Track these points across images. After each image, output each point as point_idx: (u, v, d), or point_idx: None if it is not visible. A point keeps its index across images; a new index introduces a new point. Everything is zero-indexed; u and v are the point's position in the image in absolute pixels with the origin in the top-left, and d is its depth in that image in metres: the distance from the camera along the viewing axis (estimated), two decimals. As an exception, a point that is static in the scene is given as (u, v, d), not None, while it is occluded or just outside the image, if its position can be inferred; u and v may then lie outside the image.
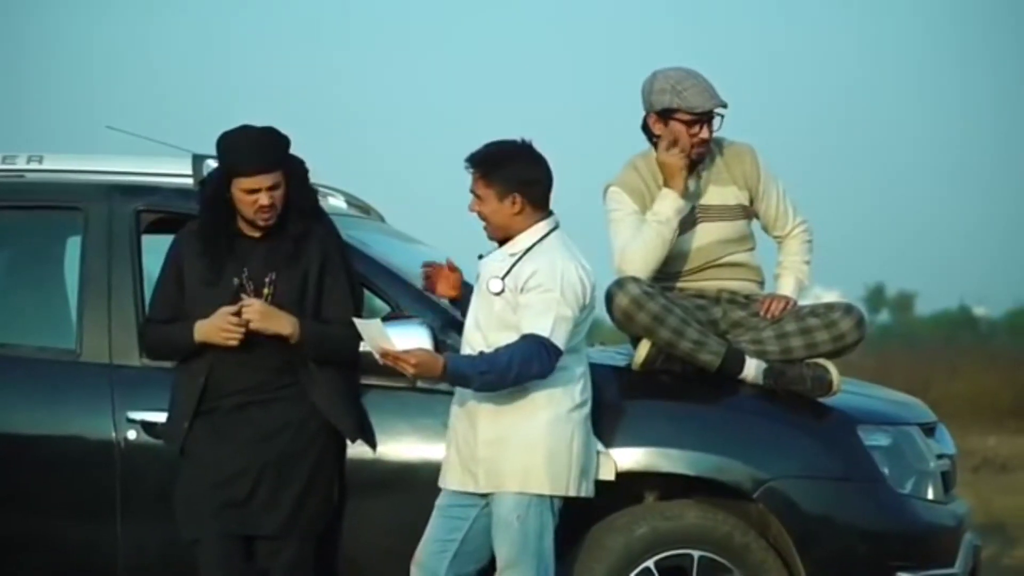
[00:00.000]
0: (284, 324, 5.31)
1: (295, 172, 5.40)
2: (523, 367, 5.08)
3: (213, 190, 5.39)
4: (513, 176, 5.23)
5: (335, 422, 5.40)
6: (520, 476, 5.18)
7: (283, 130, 5.39)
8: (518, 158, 5.26)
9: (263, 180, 5.30)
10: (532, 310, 5.13)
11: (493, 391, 5.15)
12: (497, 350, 5.11)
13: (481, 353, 5.14)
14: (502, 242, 5.30)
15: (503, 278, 5.21)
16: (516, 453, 5.18)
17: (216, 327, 5.29)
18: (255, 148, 5.32)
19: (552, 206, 5.31)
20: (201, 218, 5.42)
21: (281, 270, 5.38)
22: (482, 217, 5.29)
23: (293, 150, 5.42)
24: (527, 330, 5.11)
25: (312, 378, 5.39)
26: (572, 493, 5.22)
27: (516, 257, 5.23)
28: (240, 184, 5.31)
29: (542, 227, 5.27)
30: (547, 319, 5.11)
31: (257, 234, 5.40)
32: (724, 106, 5.68)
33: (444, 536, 5.32)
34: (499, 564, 5.22)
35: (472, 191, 5.29)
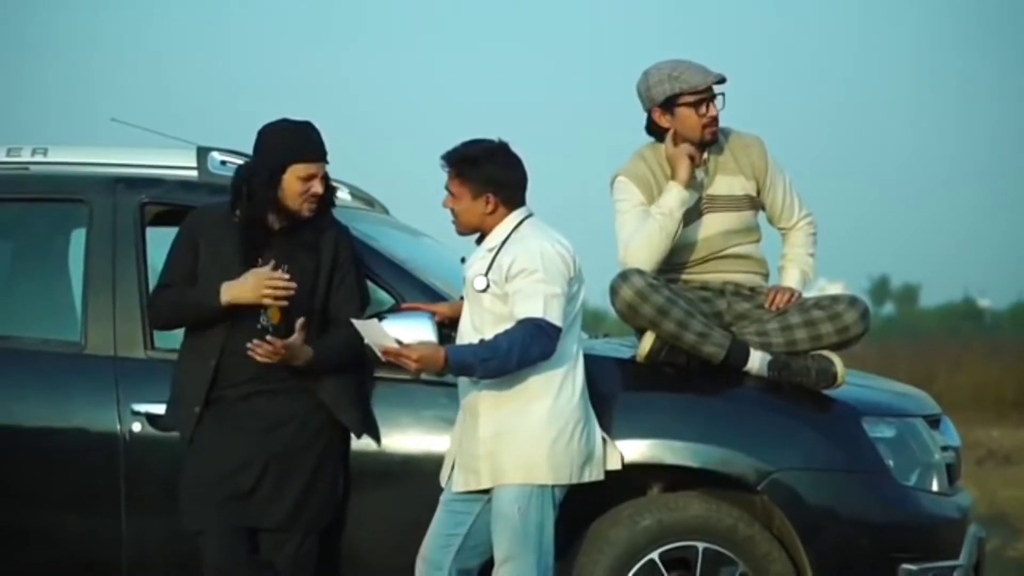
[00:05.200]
0: (299, 358, 5.31)
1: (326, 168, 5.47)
2: (524, 350, 5.09)
3: (267, 182, 5.35)
4: (487, 176, 5.27)
5: (340, 417, 5.40)
6: (523, 469, 5.18)
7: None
8: (493, 158, 5.30)
9: (320, 167, 5.39)
10: (521, 295, 5.15)
11: (497, 377, 5.15)
12: (496, 336, 5.13)
13: (481, 341, 5.15)
14: (479, 240, 5.34)
15: (486, 274, 5.23)
16: (518, 446, 5.19)
17: (253, 286, 5.27)
18: (314, 136, 5.41)
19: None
20: (248, 210, 5.37)
21: (295, 261, 5.39)
22: (454, 214, 5.33)
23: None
24: (520, 315, 5.13)
25: (318, 373, 5.38)
26: (575, 480, 5.23)
27: (494, 251, 5.26)
28: (297, 171, 5.35)
29: (514, 218, 5.30)
30: (537, 301, 5.13)
31: (278, 226, 5.41)
32: (723, 80, 5.68)
33: (448, 530, 5.32)
34: (498, 557, 5.21)
35: (447, 188, 5.33)
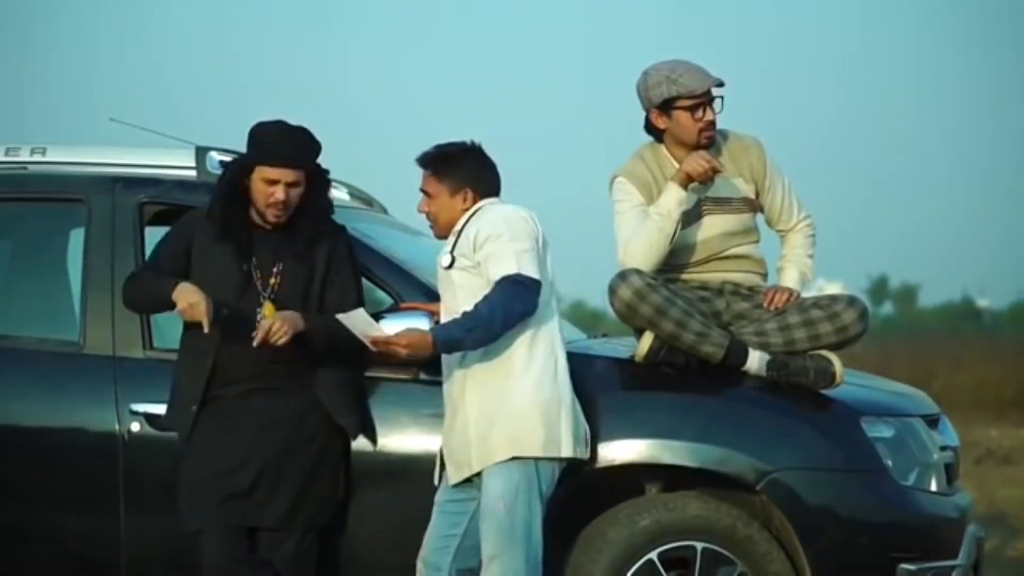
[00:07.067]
0: (298, 324, 5.29)
1: (319, 178, 5.44)
2: (507, 309, 5.11)
3: (232, 176, 5.39)
4: (465, 173, 5.33)
5: (337, 418, 5.40)
6: (514, 443, 5.18)
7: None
8: (469, 156, 5.36)
9: (284, 174, 5.33)
10: (493, 258, 5.18)
11: (487, 344, 5.16)
12: (476, 305, 5.14)
13: (464, 314, 5.16)
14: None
15: (451, 252, 5.27)
16: (507, 422, 5.19)
17: (202, 312, 5.21)
18: (286, 141, 5.36)
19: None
20: (217, 204, 5.41)
21: (287, 262, 5.39)
22: (432, 216, 5.36)
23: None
24: (495, 277, 5.16)
25: (315, 373, 5.39)
26: (567, 454, 5.22)
27: (458, 232, 5.30)
28: (262, 173, 5.34)
29: (480, 203, 5.35)
30: (509, 259, 5.16)
31: (268, 226, 5.41)
32: (721, 84, 5.67)
33: (445, 532, 5.33)
34: (485, 555, 5.21)
35: (422, 190, 5.35)
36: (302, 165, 5.37)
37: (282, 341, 5.24)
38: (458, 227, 5.31)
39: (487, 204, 5.34)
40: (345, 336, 5.26)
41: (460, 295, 5.24)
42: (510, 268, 5.15)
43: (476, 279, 5.22)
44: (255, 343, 5.23)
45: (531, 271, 5.17)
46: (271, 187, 5.34)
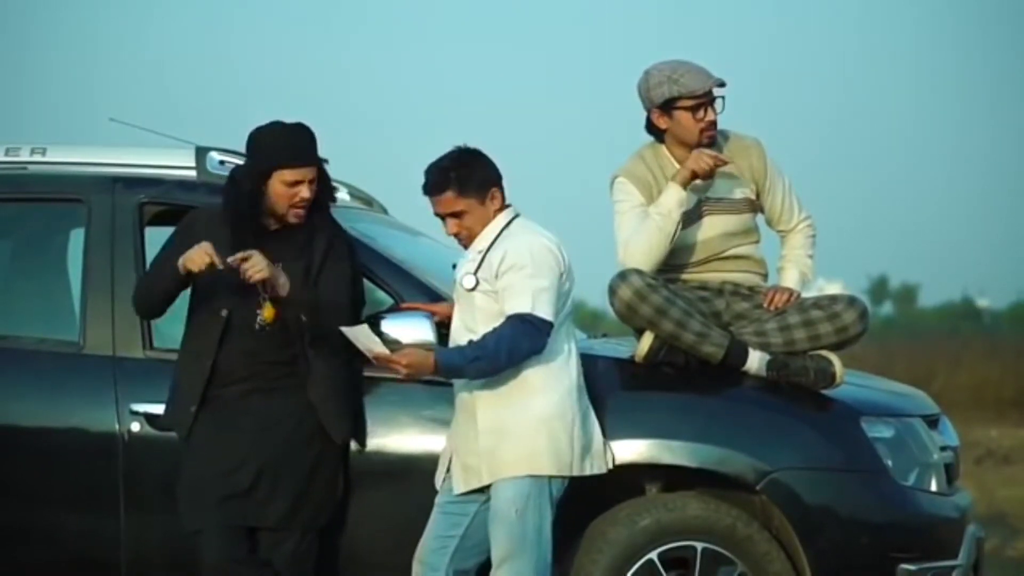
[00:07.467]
0: (280, 275, 5.25)
1: (323, 169, 5.44)
2: (513, 347, 5.11)
3: (252, 186, 5.35)
4: (481, 175, 5.30)
5: (324, 421, 5.38)
6: (525, 460, 5.19)
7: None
8: (473, 159, 5.33)
9: (307, 172, 5.35)
10: (510, 290, 5.17)
11: (488, 376, 5.17)
12: (484, 336, 5.15)
13: (470, 342, 5.16)
14: None
15: (475, 273, 5.24)
16: (517, 439, 5.19)
17: (202, 251, 5.20)
18: (299, 140, 5.37)
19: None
20: (233, 214, 5.37)
21: (287, 261, 5.38)
22: (466, 232, 5.31)
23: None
24: (509, 311, 5.15)
25: (311, 374, 5.39)
26: (577, 471, 5.23)
27: (483, 252, 5.26)
28: (283, 176, 5.33)
29: (503, 218, 5.32)
30: (526, 296, 5.15)
31: (274, 226, 5.41)
32: (723, 85, 5.67)
33: (444, 532, 5.33)
34: (495, 558, 5.21)
35: (444, 215, 5.31)
36: (316, 162, 5.39)
37: (256, 277, 5.20)
38: (483, 245, 5.28)
39: (515, 225, 5.30)
40: (336, 320, 5.26)
41: (479, 317, 5.24)
42: (524, 306, 5.14)
43: (496, 304, 5.22)
44: (228, 258, 5.19)
45: (544, 312, 5.16)
46: (294, 188, 5.34)
